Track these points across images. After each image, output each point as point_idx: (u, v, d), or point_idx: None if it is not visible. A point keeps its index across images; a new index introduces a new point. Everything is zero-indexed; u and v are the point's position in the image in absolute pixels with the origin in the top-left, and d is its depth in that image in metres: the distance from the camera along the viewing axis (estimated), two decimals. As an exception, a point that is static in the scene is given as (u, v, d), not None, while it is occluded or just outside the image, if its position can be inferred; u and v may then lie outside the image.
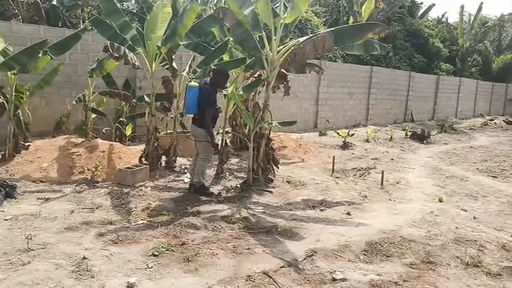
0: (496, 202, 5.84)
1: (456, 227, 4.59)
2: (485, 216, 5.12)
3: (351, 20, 16.13)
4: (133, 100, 7.08)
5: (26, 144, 6.41)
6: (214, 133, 5.45)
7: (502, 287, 3.30)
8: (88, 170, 5.81)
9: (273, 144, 6.34)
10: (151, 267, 3.33)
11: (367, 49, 6.24)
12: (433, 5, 23.85)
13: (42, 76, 6.67)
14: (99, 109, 7.93)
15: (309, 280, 3.25)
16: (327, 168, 7.53)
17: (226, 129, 6.96)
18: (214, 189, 5.68)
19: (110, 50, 5.38)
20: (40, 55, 5.83)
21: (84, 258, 3.40)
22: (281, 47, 5.85)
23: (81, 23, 11.54)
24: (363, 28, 5.54)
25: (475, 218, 5.01)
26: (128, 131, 8.23)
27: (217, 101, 5.55)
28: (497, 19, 29.36)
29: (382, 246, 3.96)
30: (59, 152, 6.23)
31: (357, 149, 9.96)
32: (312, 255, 3.71)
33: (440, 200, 5.77)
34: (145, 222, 4.34)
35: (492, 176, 7.60)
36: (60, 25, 10.69)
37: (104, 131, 8.16)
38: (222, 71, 5.61)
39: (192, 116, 5.48)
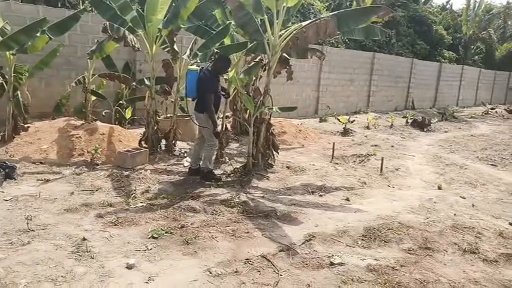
0: (494, 190, 5.85)
1: (454, 214, 4.61)
2: (483, 204, 5.14)
3: (354, 4, 15.90)
4: (133, 83, 7.03)
5: (26, 125, 6.39)
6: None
7: (498, 273, 3.33)
8: (88, 152, 5.81)
9: (273, 129, 6.31)
10: (151, 249, 3.35)
11: (368, 34, 6.16)
12: (438, -10, 23.68)
13: (42, 57, 6.61)
14: (99, 91, 7.88)
15: (307, 264, 3.28)
16: (327, 154, 7.52)
17: (226, 114, 6.93)
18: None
19: (109, 31, 5.30)
20: (39, 34, 5.76)
21: (84, 239, 3.42)
22: (283, 31, 5.76)
23: (80, 3, 11.36)
24: (367, 11, 5.44)
25: (473, 205, 5.03)
26: (128, 114, 8.20)
27: (218, 87, 5.43)
28: (502, 6, 28.98)
29: (380, 231, 3.98)
30: (58, 134, 6.21)
31: (357, 136, 9.94)
32: (311, 239, 3.73)
33: (440, 187, 5.79)
34: (144, 204, 4.35)
35: (492, 165, 7.61)
36: (59, 5, 10.54)
37: (103, 113, 8.13)
38: (224, 56, 5.54)
39: (192, 100, 5.42)
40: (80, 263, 3.06)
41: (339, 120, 10.85)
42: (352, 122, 11.02)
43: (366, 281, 3.05)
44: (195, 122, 5.39)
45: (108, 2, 6.06)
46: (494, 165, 7.55)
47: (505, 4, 29.20)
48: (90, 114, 7.65)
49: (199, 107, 5.30)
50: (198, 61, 6.29)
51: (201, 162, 5.47)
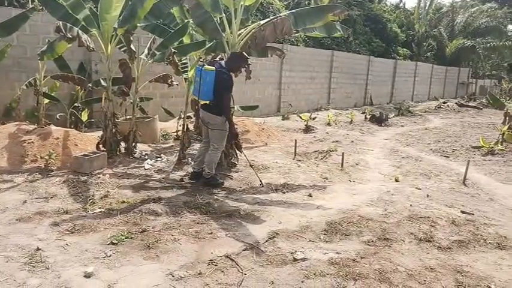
0: (447, 180, 6.15)
1: (411, 205, 4.81)
2: (437, 194, 5.39)
3: (312, 3, 16.19)
4: (89, 84, 6.76)
5: (-29, 132, 6.00)
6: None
7: (451, 259, 3.50)
8: (41, 158, 5.54)
9: (236, 128, 6.30)
10: (110, 256, 3.24)
11: (330, 31, 6.28)
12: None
13: (-13, 59, 6.23)
14: (52, 94, 7.53)
15: (270, 261, 3.30)
16: (290, 151, 7.61)
17: (188, 114, 6.84)
18: (176, 175, 5.61)
19: (63, 31, 5.06)
20: (-17, 36, 5.42)
21: (38, 249, 3.26)
22: (242, 30, 5.77)
23: (29, 2, 10.81)
24: (323, 9, 5.56)
25: (428, 195, 5.26)
26: (84, 117, 7.90)
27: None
28: (450, 5, 30.53)
29: (342, 225, 4.08)
30: (8, 140, 5.88)
31: (319, 132, 10.14)
32: (274, 237, 3.75)
33: (397, 180, 6.01)
34: (103, 210, 4.21)
35: (444, 156, 8.00)
36: (6, 4, 9.97)
37: (57, 117, 7.78)
38: (241, 54, 5.23)
39: (204, 102, 5.09)
40: (33, 275, 2.91)
41: (300, 117, 11.02)
42: (314, 119, 11.22)
43: (328, 274, 3.11)
44: (208, 125, 5.11)
45: (58, 1, 5.80)
46: (447, 157, 7.94)
47: (451, 2, 30.76)
48: (43, 118, 7.29)
49: (217, 109, 5.01)
50: (203, 61, 5.97)
51: (206, 167, 5.20)
